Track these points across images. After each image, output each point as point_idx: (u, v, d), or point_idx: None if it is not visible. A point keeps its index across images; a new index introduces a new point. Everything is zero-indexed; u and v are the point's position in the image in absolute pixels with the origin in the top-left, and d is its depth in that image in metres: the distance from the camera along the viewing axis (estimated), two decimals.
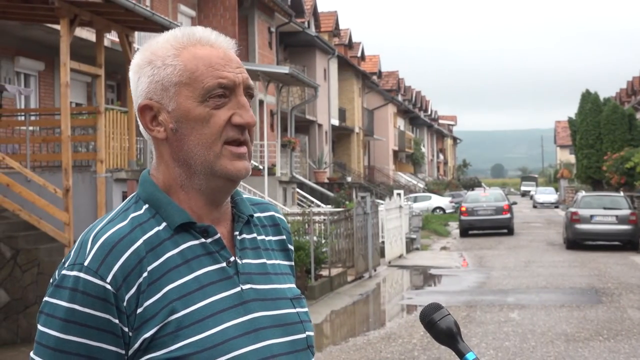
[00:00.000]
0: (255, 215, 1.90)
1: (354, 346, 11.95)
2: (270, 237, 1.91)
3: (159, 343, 1.65)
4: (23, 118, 15.87)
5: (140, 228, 1.71)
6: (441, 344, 1.89)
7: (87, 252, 1.67)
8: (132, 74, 1.81)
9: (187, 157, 1.74)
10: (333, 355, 11.36)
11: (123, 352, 1.66)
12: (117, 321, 1.64)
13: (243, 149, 1.76)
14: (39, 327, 1.68)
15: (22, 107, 18.56)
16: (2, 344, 12.31)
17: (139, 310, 1.65)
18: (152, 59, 1.77)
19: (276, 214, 1.96)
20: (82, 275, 1.65)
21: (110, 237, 1.68)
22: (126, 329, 1.65)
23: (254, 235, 1.87)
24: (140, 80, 1.78)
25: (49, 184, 12.96)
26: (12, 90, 16.76)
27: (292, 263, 1.96)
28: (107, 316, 1.63)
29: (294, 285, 1.90)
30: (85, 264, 1.65)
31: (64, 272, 1.67)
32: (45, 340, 1.65)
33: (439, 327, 1.88)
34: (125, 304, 1.65)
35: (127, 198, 1.81)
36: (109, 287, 1.64)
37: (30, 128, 15.48)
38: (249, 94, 1.79)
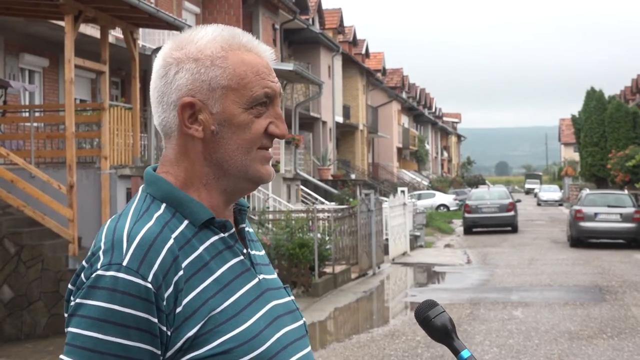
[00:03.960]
0: None
1: (357, 343, 11.95)
2: (250, 229, 1.94)
3: (201, 341, 1.65)
4: (27, 114, 15.86)
5: (168, 227, 1.70)
6: (436, 341, 1.89)
7: (124, 251, 1.63)
8: (164, 65, 1.77)
9: (221, 160, 1.75)
10: (337, 352, 11.36)
11: (159, 352, 1.63)
12: (156, 320, 1.62)
13: (271, 153, 1.81)
14: (71, 329, 1.63)
15: (27, 103, 18.57)
16: (7, 340, 12.34)
17: (178, 309, 1.64)
18: (198, 56, 1.75)
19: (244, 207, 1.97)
20: (121, 275, 1.61)
21: (146, 235, 1.66)
22: (164, 328, 1.63)
23: (250, 228, 1.91)
24: (179, 75, 1.75)
25: (53, 180, 12.97)
26: (16, 87, 16.76)
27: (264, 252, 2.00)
28: (147, 316, 1.61)
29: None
30: (124, 263, 1.62)
31: (99, 272, 1.62)
32: (81, 341, 1.61)
33: (434, 325, 1.88)
34: (165, 302, 1.63)
35: (138, 197, 1.78)
36: (150, 286, 1.62)
37: (35, 124, 15.49)
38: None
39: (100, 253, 1.66)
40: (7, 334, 12.49)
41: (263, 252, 1.92)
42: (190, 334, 1.64)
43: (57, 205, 12.70)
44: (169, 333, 1.64)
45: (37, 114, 15.89)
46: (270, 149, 1.80)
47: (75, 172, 12.88)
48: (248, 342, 1.67)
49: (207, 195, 1.77)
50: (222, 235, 1.76)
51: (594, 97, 48.67)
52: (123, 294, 1.60)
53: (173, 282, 1.65)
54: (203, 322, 1.65)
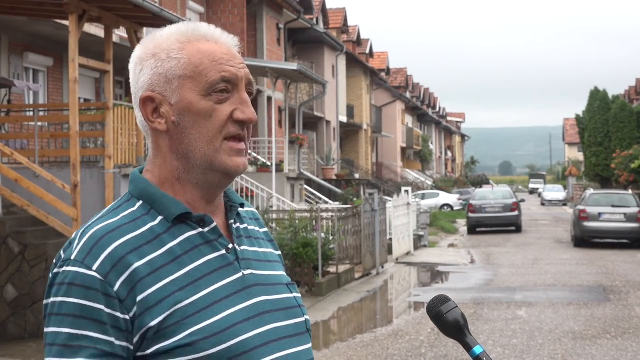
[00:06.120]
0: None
1: (361, 343, 11.95)
2: (257, 228, 1.95)
3: (167, 333, 1.66)
4: (32, 114, 15.89)
5: (133, 224, 1.73)
6: (448, 336, 1.89)
7: (74, 247, 1.69)
8: (133, 66, 1.82)
9: (186, 151, 1.76)
10: (340, 351, 11.36)
11: (111, 339, 1.65)
12: (102, 307, 1.64)
13: (242, 145, 1.78)
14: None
15: (31, 102, 18.59)
16: (10, 339, 12.35)
17: (139, 297, 1.66)
18: (156, 51, 1.78)
19: (254, 210, 2.01)
20: (69, 268, 1.66)
21: (98, 231, 1.70)
22: (119, 314, 1.65)
23: (245, 225, 1.90)
24: (142, 72, 1.79)
25: (57, 180, 12.98)
26: (20, 86, 16.79)
27: (280, 253, 2.00)
28: (93, 304, 1.64)
29: (284, 273, 1.94)
30: (72, 257, 1.67)
31: (54, 271, 1.69)
32: (50, 338, 1.67)
33: (446, 320, 1.87)
34: (116, 288, 1.65)
35: (120, 197, 1.82)
36: (95, 274, 1.65)
37: (39, 123, 15.50)
38: (249, 91, 1.81)
39: (61, 252, 1.72)
40: (10, 333, 12.50)
41: (265, 250, 1.91)
42: (153, 323, 1.66)
43: (61, 205, 12.71)
44: (127, 317, 1.66)
45: (41, 113, 15.91)
46: (242, 142, 1.78)
47: (79, 171, 12.89)
48: (216, 335, 1.67)
49: (181, 189, 1.78)
50: (200, 230, 1.77)
51: (598, 97, 48.60)
52: (69, 285, 1.65)
53: (129, 270, 1.67)
54: (168, 313, 1.66)
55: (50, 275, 1.71)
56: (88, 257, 1.66)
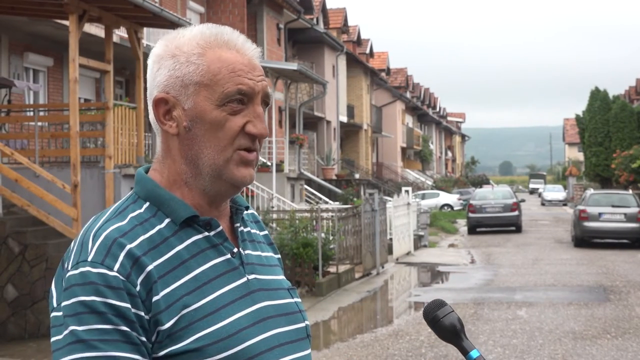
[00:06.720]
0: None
1: (361, 343, 11.95)
2: (257, 231, 1.95)
3: (176, 337, 1.65)
4: (32, 113, 15.89)
5: (142, 227, 1.71)
6: (445, 341, 1.89)
7: (89, 249, 1.66)
8: (151, 63, 1.80)
9: (195, 157, 1.75)
10: (340, 351, 11.36)
11: (146, 340, 1.64)
12: (129, 305, 1.62)
13: (253, 156, 1.77)
14: (54, 337, 1.65)
15: (31, 102, 18.59)
16: (10, 339, 12.35)
17: (154, 299, 1.65)
18: (176, 53, 1.76)
19: (254, 212, 2.00)
20: (86, 269, 1.64)
21: (111, 232, 1.68)
22: (142, 313, 1.64)
23: (248, 228, 1.90)
24: (159, 72, 1.78)
25: (58, 180, 12.98)
26: (20, 86, 16.78)
27: (279, 256, 2.00)
28: (125, 304, 1.62)
29: (284, 277, 1.94)
30: (89, 259, 1.64)
31: (69, 273, 1.66)
32: (75, 336, 1.61)
33: (443, 325, 1.87)
34: (138, 288, 1.64)
35: (125, 197, 1.80)
36: (117, 274, 1.63)
37: (39, 123, 15.50)
38: (265, 102, 1.80)
39: (72, 254, 1.70)
40: (11, 333, 12.50)
41: (266, 254, 1.91)
42: (163, 327, 1.65)
43: (61, 205, 12.71)
44: (147, 317, 1.65)
45: (41, 113, 15.90)
46: (253, 153, 1.77)
47: (79, 171, 12.89)
48: (223, 340, 1.67)
49: (189, 193, 1.77)
50: (206, 234, 1.76)
51: (598, 97, 48.61)
52: (92, 285, 1.62)
53: (145, 270, 1.66)
54: (177, 318, 1.65)
55: (63, 280, 1.67)
56: (107, 258, 1.64)
